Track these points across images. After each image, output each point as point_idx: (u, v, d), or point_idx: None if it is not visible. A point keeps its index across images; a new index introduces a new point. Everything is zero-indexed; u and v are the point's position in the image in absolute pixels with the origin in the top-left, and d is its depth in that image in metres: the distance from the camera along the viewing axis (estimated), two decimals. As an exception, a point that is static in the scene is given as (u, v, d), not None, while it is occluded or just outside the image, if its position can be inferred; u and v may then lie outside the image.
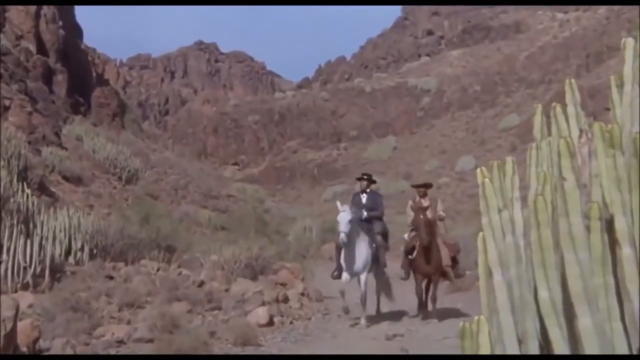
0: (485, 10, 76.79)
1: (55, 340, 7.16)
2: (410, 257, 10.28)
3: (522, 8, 72.12)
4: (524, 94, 54.53)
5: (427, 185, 11.13)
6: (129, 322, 8.66)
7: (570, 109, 2.88)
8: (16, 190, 11.85)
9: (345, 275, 9.96)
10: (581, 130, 2.74)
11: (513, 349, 2.42)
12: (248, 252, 13.37)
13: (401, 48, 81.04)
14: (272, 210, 35.75)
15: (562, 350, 2.33)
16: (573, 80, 2.99)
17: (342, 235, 9.59)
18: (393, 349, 7.80)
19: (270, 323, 9.49)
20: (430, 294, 10.39)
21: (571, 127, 2.83)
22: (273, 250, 15.56)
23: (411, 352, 7.50)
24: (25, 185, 12.54)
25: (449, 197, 36.39)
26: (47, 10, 30.11)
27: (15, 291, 9.49)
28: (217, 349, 7.81)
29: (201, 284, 11.41)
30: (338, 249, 10.25)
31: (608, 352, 2.30)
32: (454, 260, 10.29)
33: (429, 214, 10.03)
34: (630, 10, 50.34)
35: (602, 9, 59.44)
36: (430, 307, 10.27)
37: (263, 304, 10.10)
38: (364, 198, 10.62)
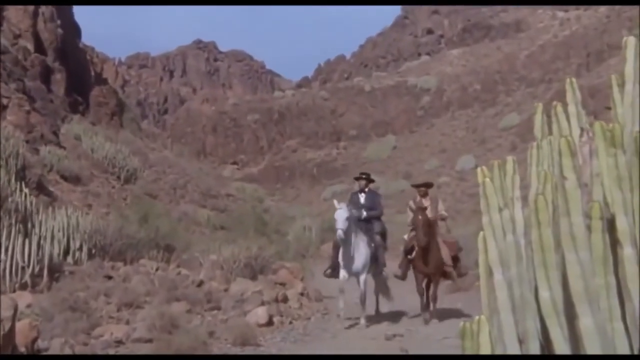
0: (486, 9, 76.75)
1: (53, 340, 7.16)
2: (409, 257, 10.26)
3: (523, 7, 72.10)
4: (525, 93, 54.48)
5: (428, 185, 11.04)
6: (127, 322, 8.65)
7: (571, 108, 2.87)
8: (14, 190, 11.83)
9: (343, 273, 9.94)
10: (582, 129, 2.72)
11: (514, 349, 2.40)
12: (247, 252, 13.36)
13: (401, 47, 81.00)
14: (271, 209, 35.75)
15: (563, 350, 2.31)
16: (574, 79, 2.97)
17: (340, 232, 9.58)
18: (393, 349, 7.78)
19: (270, 323, 9.50)
20: (430, 293, 10.36)
21: (572, 126, 2.81)
22: (272, 250, 15.56)
23: (411, 352, 7.48)
24: (23, 185, 12.52)
25: (449, 196, 36.37)
26: (45, 9, 30.07)
27: (14, 291, 9.48)
28: (216, 349, 7.80)
29: (200, 283, 11.41)
30: (336, 248, 10.23)
31: (609, 352, 2.29)
32: (456, 259, 10.23)
33: (429, 213, 10.00)
34: (631, 9, 50.27)
35: (603, 8, 59.36)
36: (430, 306, 10.25)
37: (262, 303, 10.10)
38: (362, 197, 10.59)
